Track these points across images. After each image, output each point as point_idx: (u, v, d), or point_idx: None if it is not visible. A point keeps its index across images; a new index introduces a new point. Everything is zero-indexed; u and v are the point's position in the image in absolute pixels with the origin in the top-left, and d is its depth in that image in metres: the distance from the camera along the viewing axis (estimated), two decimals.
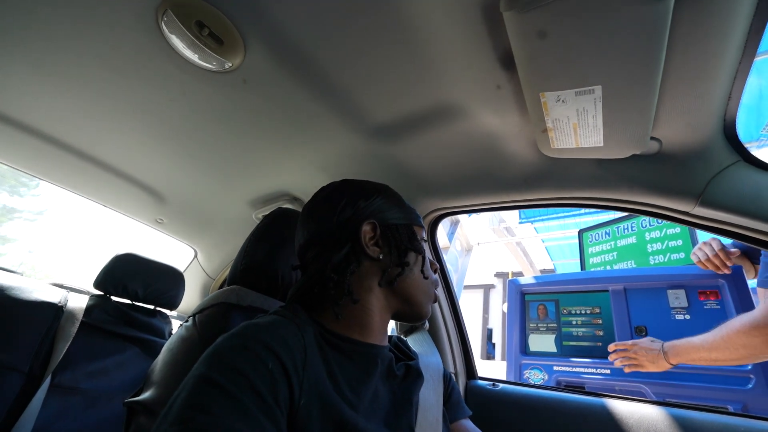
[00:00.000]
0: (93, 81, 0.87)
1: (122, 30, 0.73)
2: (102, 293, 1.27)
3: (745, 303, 1.59)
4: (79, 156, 1.16)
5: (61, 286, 1.38)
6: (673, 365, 1.36)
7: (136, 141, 1.09)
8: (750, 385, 1.47)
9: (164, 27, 0.70)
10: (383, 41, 0.69)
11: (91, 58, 0.81)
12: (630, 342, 1.51)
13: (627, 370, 1.50)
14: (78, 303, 1.21)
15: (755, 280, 1.26)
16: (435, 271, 0.71)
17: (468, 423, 0.76)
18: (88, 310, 1.21)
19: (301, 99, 0.86)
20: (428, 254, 0.70)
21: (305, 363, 0.48)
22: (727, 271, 1.13)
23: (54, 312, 1.14)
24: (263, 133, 1.01)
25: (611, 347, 1.69)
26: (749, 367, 1.49)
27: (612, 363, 1.75)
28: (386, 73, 0.76)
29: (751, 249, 1.29)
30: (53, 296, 1.17)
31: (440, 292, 1.25)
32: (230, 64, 0.77)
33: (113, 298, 1.28)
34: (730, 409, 1.46)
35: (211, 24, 0.69)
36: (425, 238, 0.71)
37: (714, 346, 1.19)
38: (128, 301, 1.30)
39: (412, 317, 0.66)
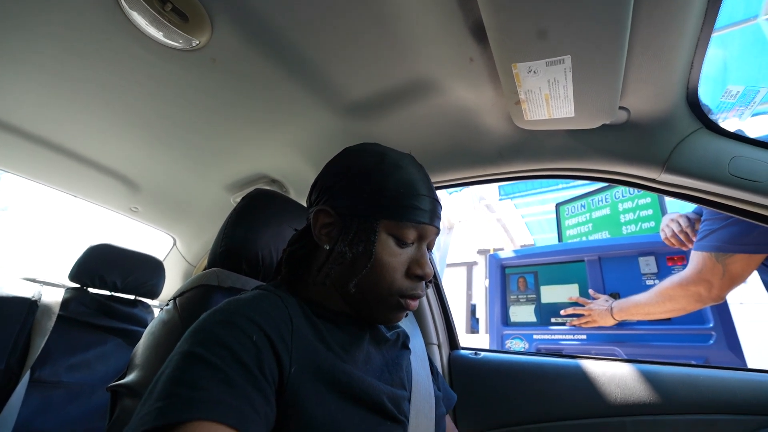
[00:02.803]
0: (50, 64, 0.83)
1: (79, 6, 0.69)
2: (78, 285, 1.24)
3: None
4: (42, 144, 1.11)
5: (33, 281, 1.34)
6: (617, 320, 1.57)
7: (102, 127, 1.05)
8: (711, 341, 1.58)
9: (124, 2, 0.67)
10: (354, 16, 0.67)
11: (46, 39, 0.76)
12: (589, 301, 1.74)
13: (581, 325, 1.74)
14: (53, 297, 1.19)
15: None
16: (413, 275, 0.55)
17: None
18: (65, 303, 1.19)
19: (273, 78, 0.84)
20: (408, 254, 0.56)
21: (292, 332, 0.48)
22: (690, 246, 1.21)
23: (27, 307, 1.11)
24: (236, 115, 0.98)
25: (571, 299, 1.87)
26: (711, 325, 1.59)
27: (588, 329, 1.85)
28: (358, 49, 0.75)
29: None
30: (26, 291, 1.14)
31: None
32: (197, 42, 0.74)
33: (90, 290, 1.26)
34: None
35: None
36: (401, 238, 0.54)
37: (648, 302, 1.36)
38: (107, 293, 1.28)
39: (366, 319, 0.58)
